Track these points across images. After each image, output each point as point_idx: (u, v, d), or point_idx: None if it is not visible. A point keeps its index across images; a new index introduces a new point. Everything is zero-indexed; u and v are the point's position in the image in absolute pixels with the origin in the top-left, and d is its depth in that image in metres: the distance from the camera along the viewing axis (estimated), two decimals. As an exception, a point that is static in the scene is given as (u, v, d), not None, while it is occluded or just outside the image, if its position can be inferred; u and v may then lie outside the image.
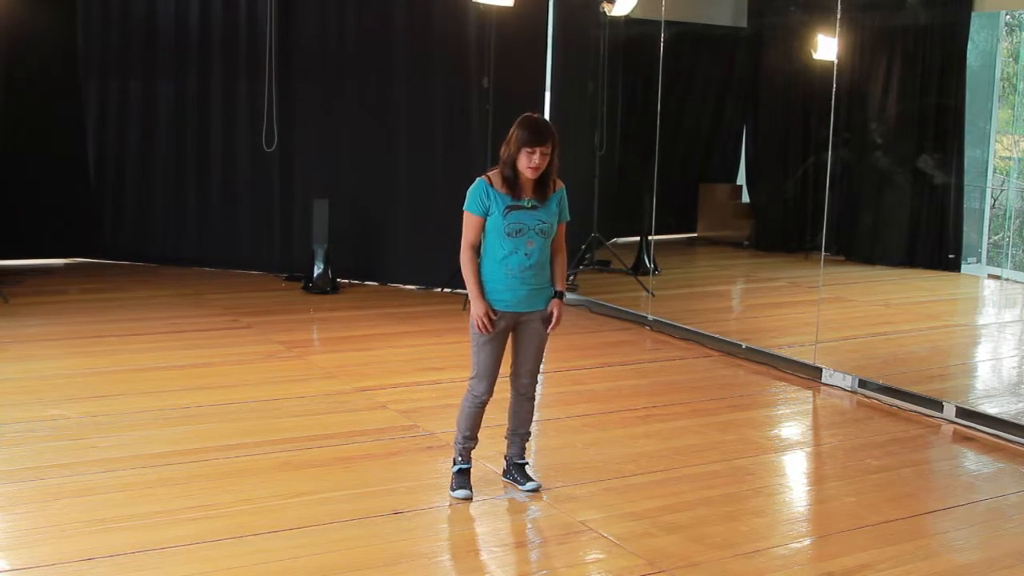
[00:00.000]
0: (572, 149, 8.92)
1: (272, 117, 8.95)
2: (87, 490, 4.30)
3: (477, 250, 4.25)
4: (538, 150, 4.04)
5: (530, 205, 4.16)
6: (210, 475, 4.53)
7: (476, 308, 4.18)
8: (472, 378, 4.31)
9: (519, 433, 4.50)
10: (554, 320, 4.28)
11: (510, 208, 4.13)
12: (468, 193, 4.20)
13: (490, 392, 4.30)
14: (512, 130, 4.12)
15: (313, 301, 8.36)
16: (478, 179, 4.21)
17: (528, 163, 4.06)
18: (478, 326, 4.18)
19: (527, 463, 4.56)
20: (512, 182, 4.13)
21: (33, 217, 9.18)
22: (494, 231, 4.17)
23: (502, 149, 4.15)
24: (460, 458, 4.42)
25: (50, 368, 6.17)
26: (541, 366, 4.46)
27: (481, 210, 4.16)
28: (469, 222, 4.20)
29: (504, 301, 4.20)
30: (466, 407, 4.35)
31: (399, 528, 4.07)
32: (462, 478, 4.40)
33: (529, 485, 4.46)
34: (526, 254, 4.17)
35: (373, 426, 5.29)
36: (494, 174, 4.18)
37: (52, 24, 9.22)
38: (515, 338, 4.33)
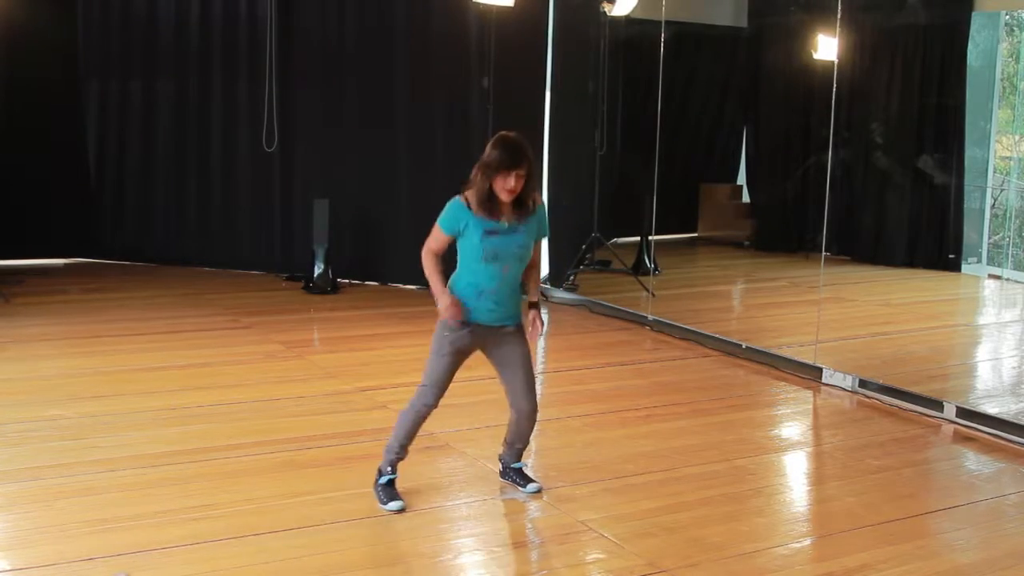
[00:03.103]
0: (572, 149, 8.96)
1: (272, 117, 8.95)
2: (87, 490, 4.30)
3: (439, 256, 4.13)
4: (514, 173, 3.93)
5: (508, 227, 4.04)
6: (210, 475, 4.53)
7: (443, 301, 4.05)
8: (423, 386, 4.19)
9: (516, 447, 4.45)
10: (535, 328, 4.16)
11: (489, 232, 4.02)
12: (445, 209, 4.08)
13: (437, 403, 4.20)
14: (487, 151, 3.99)
15: (313, 301, 8.36)
16: (455, 198, 4.07)
17: (504, 186, 3.94)
18: (449, 316, 4.04)
19: (524, 465, 4.55)
20: (489, 205, 4.00)
21: (33, 217, 9.18)
22: (470, 253, 4.07)
23: (474, 172, 4.01)
24: (389, 468, 4.28)
25: (50, 368, 6.17)
26: (537, 378, 4.40)
27: (453, 231, 4.05)
28: (437, 235, 4.08)
29: (472, 316, 4.11)
30: (411, 415, 4.22)
31: (399, 528, 4.07)
32: (392, 490, 4.27)
33: (531, 487, 4.44)
34: (501, 280, 4.09)
35: (373, 426, 5.28)
36: (471, 194, 4.04)
37: (52, 24, 9.22)
38: (494, 361, 4.24)
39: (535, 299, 4.26)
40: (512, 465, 4.50)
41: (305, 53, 9.04)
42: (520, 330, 4.24)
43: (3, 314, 7.46)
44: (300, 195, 9.09)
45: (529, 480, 4.47)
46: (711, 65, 10.54)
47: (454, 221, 4.05)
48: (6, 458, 4.64)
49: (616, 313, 8.17)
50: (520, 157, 3.95)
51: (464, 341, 4.14)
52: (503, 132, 4.08)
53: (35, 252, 9.41)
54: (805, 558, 3.97)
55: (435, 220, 4.14)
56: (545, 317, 8.05)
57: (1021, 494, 4.67)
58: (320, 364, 6.44)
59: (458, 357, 4.18)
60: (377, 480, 4.31)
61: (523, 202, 4.06)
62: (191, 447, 4.87)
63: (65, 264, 9.59)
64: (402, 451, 4.29)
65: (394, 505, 4.21)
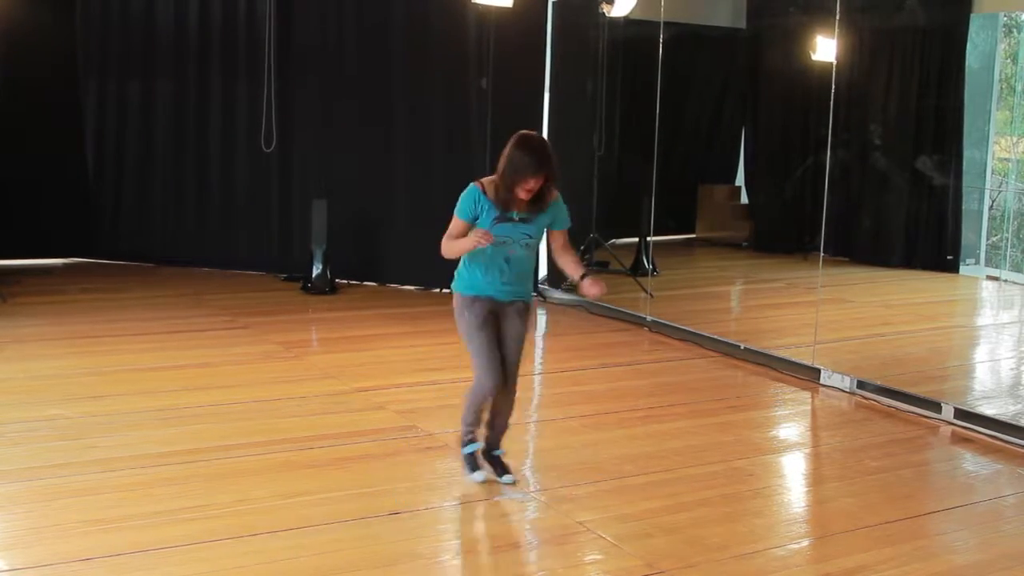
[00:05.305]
0: (571, 150, 8.94)
1: (271, 117, 8.94)
2: (86, 490, 4.30)
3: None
4: (538, 178, 4.04)
5: (519, 218, 4.16)
6: (209, 475, 4.53)
7: (474, 235, 4.10)
8: (478, 373, 4.27)
9: (496, 424, 4.49)
10: (598, 286, 4.16)
11: (499, 219, 4.14)
12: (461, 198, 4.19)
13: (497, 381, 4.25)
14: (511, 150, 4.07)
15: (312, 301, 8.36)
16: (471, 185, 4.19)
17: (526, 187, 4.06)
18: (482, 236, 4.06)
19: (503, 452, 4.55)
20: (507, 199, 4.11)
21: (32, 217, 9.18)
22: None
23: (500, 162, 4.10)
24: (469, 437, 4.45)
25: (49, 368, 6.17)
26: (522, 360, 4.43)
27: (470, 217, 4.16)
28: (456, 225, 4.21)
29: (485, 291, 4.25)
30: (473, 400, 4.35)
31: (398, 528, 4.07)
32: (474, 460, 4.45)
33: (506, 478, 4.46)
34: (506, 260, 4.21)
35: (372, 426, 5.29)
36: (488, 182, 4.17)
37: (52, 24, 9.21)
38: (500, 332, 4.33)
39: (582, 271, 4.25)
40: (492, 452, 4.53)
41: (304, 53, 9.04)
42: (528, 309, 4.34)
43: (3, 314, 7.45)
44: (298, 195, 9.09)
45: (505, 471, 4.48)
46: (710, 66, 10.54)
47: (472, 206, 4.17)
48: (5, 458, 4.64)
49: (614, 314, 8.17)
50: (546, 164, 4.05)
51: (484, 309, 4.25)
52: (526, 133, 4.16)
53: (33, 252, 9.40)
54: (803, 559, 3.98)
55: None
56: (543, 318, 8.06)
57: (1019, 495, 4.68)
58: (318, 364, 6.44)
59: (487, 328, 4.25)
60: (462, 450, 4.49)
61: (539, 199, 4.15)
62: (189, 447, 4.87)
63: (63, 264, 9.59)
64: (475, 424, 4.43)
65: (477, 476, 4.43)
